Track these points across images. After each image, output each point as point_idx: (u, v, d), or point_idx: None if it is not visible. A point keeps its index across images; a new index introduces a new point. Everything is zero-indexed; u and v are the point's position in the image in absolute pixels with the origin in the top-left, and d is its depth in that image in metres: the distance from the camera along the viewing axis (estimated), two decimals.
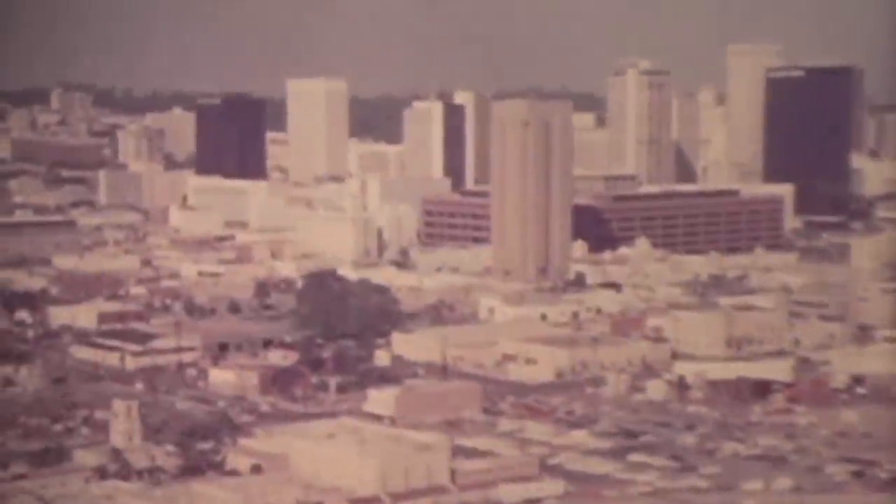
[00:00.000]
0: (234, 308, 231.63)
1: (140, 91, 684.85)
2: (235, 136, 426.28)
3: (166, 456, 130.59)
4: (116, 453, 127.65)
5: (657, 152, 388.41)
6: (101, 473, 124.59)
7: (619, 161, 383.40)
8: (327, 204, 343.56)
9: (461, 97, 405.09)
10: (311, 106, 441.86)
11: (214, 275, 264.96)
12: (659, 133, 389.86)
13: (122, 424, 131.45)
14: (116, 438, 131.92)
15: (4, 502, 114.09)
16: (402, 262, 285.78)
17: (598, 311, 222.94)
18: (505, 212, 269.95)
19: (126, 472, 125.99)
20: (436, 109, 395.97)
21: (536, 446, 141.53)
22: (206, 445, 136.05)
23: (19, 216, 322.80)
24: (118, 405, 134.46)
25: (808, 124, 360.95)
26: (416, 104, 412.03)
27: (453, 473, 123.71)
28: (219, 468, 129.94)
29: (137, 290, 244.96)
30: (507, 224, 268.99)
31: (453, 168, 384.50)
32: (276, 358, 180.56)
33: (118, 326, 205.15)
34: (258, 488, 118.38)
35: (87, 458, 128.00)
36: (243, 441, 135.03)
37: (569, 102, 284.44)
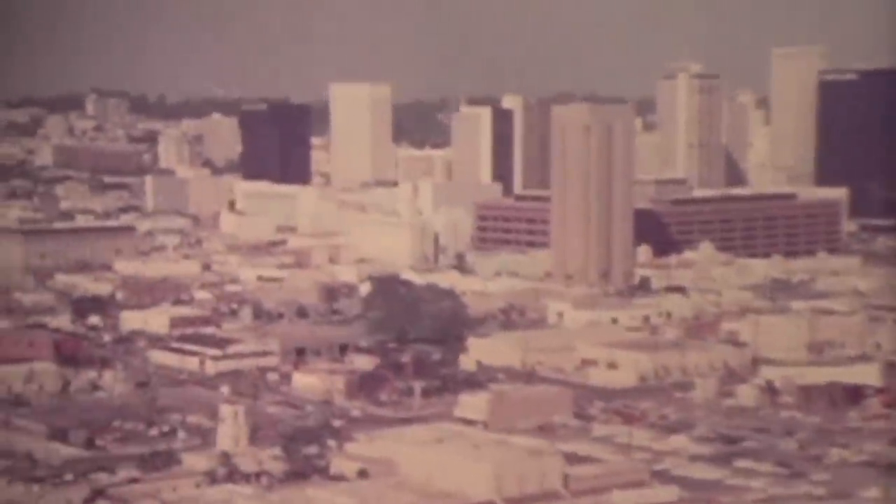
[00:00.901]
0: (302, 313, 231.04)
1: (172, 97, 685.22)
2: (281, 142, 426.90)
3: (272, 460, 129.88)
4: (225, 457, 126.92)
5: (707, 156, 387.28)
6: (211, 478, 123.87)
7: (668, 165, 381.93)
8: (378, 208, 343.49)
9: (509, 101, 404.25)
10: (355, 110, 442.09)
11: (274, 279, 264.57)
12: (709, 136, 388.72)
13: (230, 428, 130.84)
14: (224, 442, 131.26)
15: None
16: (460, 267, 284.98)
17: (669, 315, 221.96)
18: (566, 216, 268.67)
19: (234, 476, 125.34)
20: (484, 114, 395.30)
21: (637, 452, 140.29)
22: (310, 450, 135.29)
23: (81, 222, 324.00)
24: (225, 409, 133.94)
25: (862, 127, 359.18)
26: (464, 109, 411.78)
27: (566, 479, 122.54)
28: (323, 473, 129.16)
29: (202, 294, 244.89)
30: (568, 228, 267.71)
31: (501, 173, 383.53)
32: (362, 362, 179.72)
33: (189, 331, 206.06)
34: (373, 493, 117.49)
35: (195, 462, 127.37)
36: (348, 446, 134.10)
37: (630, 106, 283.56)
